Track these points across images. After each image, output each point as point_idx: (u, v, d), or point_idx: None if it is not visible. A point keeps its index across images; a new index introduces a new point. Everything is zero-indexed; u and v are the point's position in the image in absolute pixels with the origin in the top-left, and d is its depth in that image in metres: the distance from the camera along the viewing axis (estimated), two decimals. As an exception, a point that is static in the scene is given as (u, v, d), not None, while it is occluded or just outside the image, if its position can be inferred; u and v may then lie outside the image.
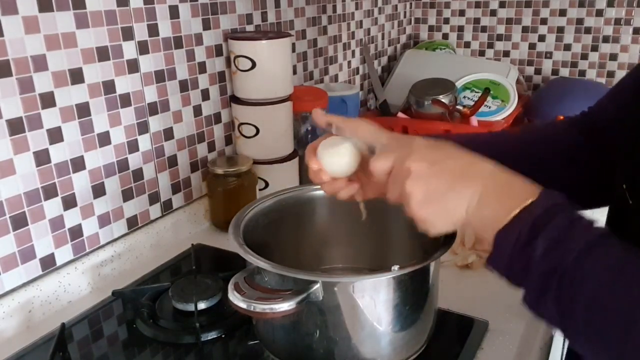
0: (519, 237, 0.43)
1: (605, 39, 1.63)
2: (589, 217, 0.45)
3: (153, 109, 0.94)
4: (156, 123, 0.95)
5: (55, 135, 0.79)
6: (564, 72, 1.71)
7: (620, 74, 1.65)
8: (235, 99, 1.08)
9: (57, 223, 0.81)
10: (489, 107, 1.45)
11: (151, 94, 0.93)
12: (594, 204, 0.65)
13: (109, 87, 0.85)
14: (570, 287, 0.41)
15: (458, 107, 1.40)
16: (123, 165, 0.90)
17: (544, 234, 0.42)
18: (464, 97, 1.49)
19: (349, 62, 1.54)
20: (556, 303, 0.42)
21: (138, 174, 0.93)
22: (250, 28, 1.12)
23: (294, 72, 1.29)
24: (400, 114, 1.45)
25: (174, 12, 0.94)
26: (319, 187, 0.75)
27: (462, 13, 1.81)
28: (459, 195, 0.47)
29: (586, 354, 0.45)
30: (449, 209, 0.48)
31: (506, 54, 1.78)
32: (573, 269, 0.41)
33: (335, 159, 0.58)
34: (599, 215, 0.59)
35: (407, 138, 0.54)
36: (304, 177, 1.16)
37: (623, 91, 0.62)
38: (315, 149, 0.60)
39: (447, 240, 0.61)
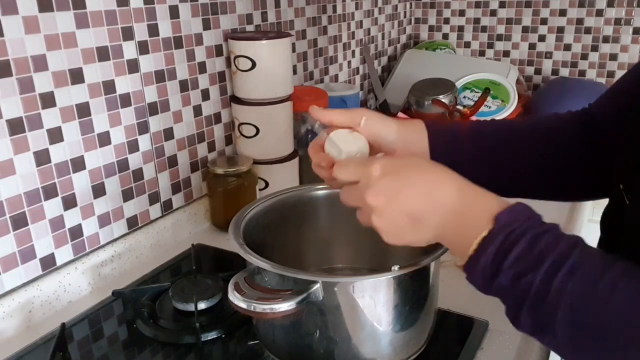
0: (484, 272, 0.44)
1: (605, 39, 1.63)
2: (550, 226, 0.44)
3: (153, 109, 0.94)
4: (156, 123, 0.95)
5: (55, 135, 0.79)
6: (564, 72, 1.71)
7: (620, 74, 1.64)
8: (235, 99, 1.08)
9: (57, 223, 0.81)
10: (489, 107, 1.45)
11: (151, 94, 0.93)
12: (593, 197, 0.65)
13: (109, 87, 0.85)
14: (543, 307, 0.41)
15: (458, 107, 1.40)
16: (123, 165, 0.90)
17: (506, 264, 0.43)
18: (464, 97, 1.49)
19: (349, 62, 1.54)
20: (533, 324, 0.43)
21: (138, 174, 0.93)
22: (250, 28, 1.12)
23: (294, 72, 1.29)
24: (400, 114, 1.45)
25: (174, 12, 0.94)
26: (319, 187, 0.77)
27: (462, 13, 1.81)
28: (420, 235, 0.49)
29: None
30: (415, 242, 0.50)
31: (506, 54, 1.78)
32: (543, 290, 0.41)
33: (348, 151, 0.57)
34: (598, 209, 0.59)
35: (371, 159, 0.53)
36: (304, 177, 1.16)
37: (622, 92, 0.61)
38: (320, 146, 0.59)
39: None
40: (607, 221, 0.58)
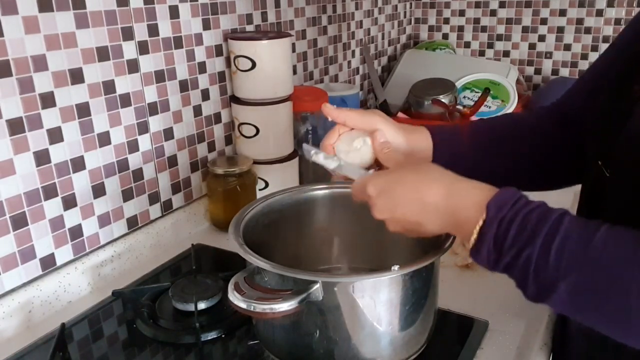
0: (489, 257, 0.49)
1: (605, 39, 1.63)
2: (538, 203, 0.48)
3: (153, 109, 0.94)
4: (156, 123, 0.95)
5: (55, 135, 0.79)
6: (564, 72, 1.71)
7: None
8: (235, 99, 1.08)
9: (57, 223, 0.81)
10: (489, 107, 1.45)
11: (151, 94, 0.93)
12: (566, 184, 0.72)
13: (109, 87, 0.85)
14: (544, 275, 0.46)
15: (458, 107, 1.40)
16: (123, 165, 0.90)
17: (505, 246, 0.47)
18: (464, 97, 1.49)
19: (349, 62, 1.54)
20: (539, 291, 0.47)
21: (138, 174, 0.93)
22: (250, 28, 1.12)
23: (294, 72, 1.29)
24: (400, 114, 1.45)
25: (174, 12, 0.94)
26: (319, 187, 0.77)
27: (462, 13, 1.81)
28: (428, 231, 0.55)
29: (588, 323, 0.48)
30: (429, 235, 0.56)
31: (506, 54, 1.78)
32: (542, 260, 0.46)
33: (356, 159, 0.63)
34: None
35: (364, 184, 0.57)
36: (304, 177, 1.16)
37: (588, 82, 0.68)
38: (331, 146, 0.64)
39: (447, 240, 0.61)
40: (585, 197, 0.63)
